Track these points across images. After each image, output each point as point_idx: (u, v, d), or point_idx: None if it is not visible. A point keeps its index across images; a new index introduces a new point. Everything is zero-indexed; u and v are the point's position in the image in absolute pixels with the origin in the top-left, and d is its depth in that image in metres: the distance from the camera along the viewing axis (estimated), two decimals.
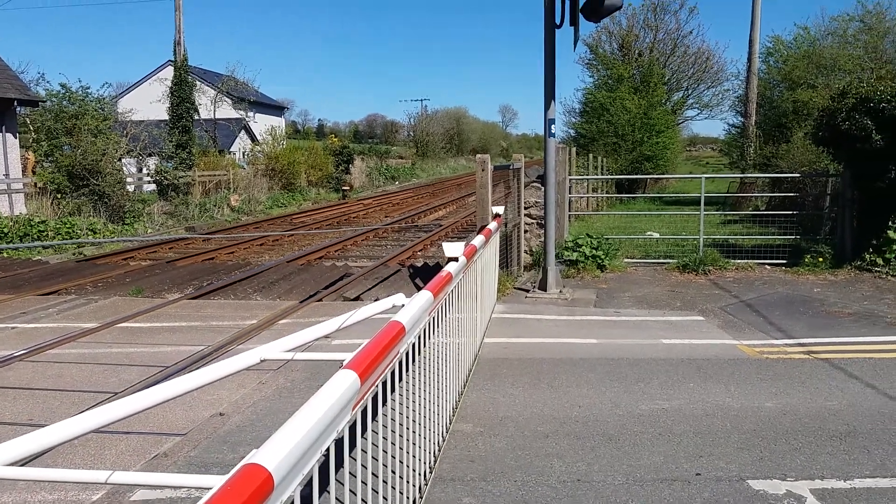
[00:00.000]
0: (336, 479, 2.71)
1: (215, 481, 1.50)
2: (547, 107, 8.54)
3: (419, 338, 3.66)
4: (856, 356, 6.49)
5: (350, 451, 2.60)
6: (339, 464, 2.63)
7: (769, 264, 10.87)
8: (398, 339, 2.76)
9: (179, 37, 24.53)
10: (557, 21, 8.40)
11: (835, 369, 6.13)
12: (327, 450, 2.13)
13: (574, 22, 8.12)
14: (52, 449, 4.52)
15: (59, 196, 17.86)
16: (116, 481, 1.54)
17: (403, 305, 3.29)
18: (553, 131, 8.60)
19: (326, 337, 4.62)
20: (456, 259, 4.57)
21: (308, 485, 1.92)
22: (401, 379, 3.26)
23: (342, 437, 2.38)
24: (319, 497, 2.00)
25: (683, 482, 4.05)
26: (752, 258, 11.00)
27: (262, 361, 2.50)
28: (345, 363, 2.27)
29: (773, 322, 7.78)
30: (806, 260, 10.59)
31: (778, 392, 5.57)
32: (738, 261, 10.89)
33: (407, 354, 3.24)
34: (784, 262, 10.84)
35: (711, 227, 14.90)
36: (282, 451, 1.63)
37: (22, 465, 1.94)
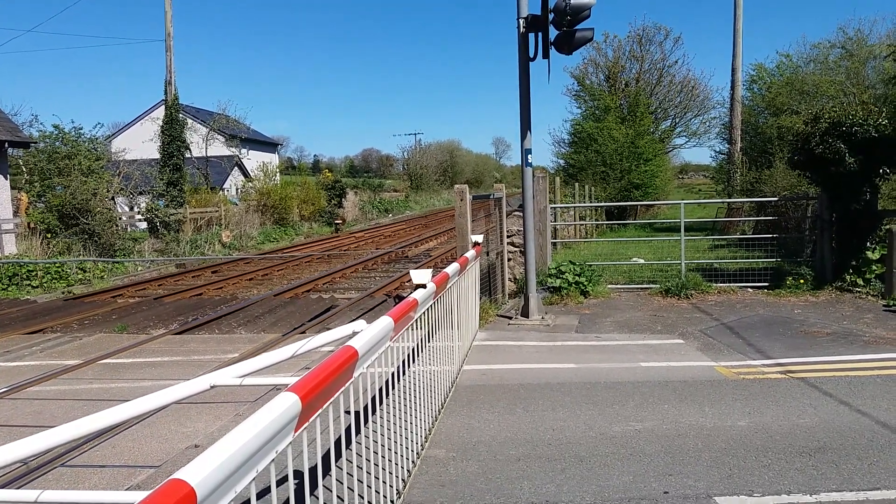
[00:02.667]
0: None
1: (140, 496, 1.56)
2: (523, 137, 8.69)
3: (383, 363, 3.73)
4: (832, 375, 6.55)
5: (311, 479, 2.65)
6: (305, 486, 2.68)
7: (751, 287, 10.96)
8: (348, 364, 2.82)
9: (170, 76, 24.88)
10: (531, 54, 8.59)
11: (810, 388, 6.18)
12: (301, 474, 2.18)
13: (546, 55, 8.30)
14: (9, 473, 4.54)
15: (49, 236, 17.95)
16: (46, 500, 1.59)
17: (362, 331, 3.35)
18: (530, 161, 8.74)
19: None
20: (424, 286, 4.64)
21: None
22: (376, 406, 3.32)
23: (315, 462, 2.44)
24: None
25: (651, 500, 4.08)
26: (735, 282, 11.09)
27: (211, 388, 2.55)
28: (288, 386, 2.34)
29: (751, 343, 7.84)
30: (788, 282, 10.68)
31: (752, 411, 5.61)
32: (721, 284, 10.98)
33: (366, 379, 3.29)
34: (766, 284, 10.93)
35: (698, 252, 15.03)
36: (207, 468, 1.69)
37: None
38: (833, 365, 6.91)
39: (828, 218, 10.61)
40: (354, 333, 3.43)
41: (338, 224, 32.17)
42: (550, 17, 8.17)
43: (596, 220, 23.84)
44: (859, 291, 10.17)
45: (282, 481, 3.11)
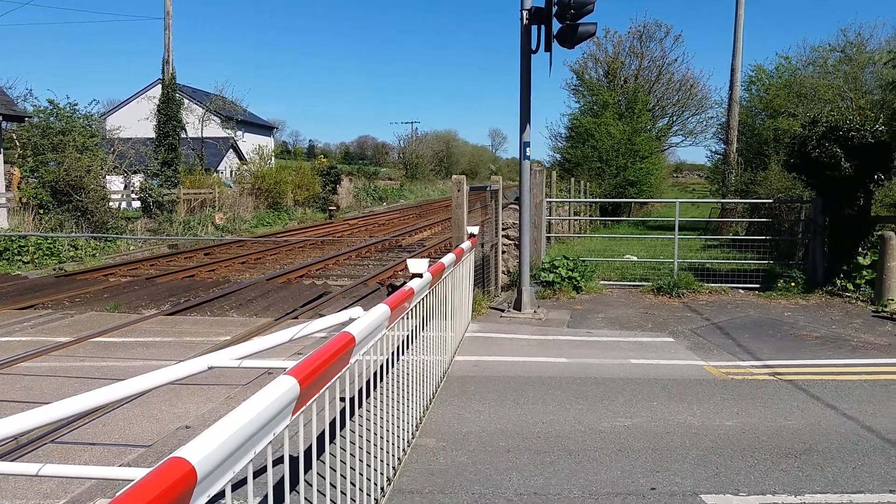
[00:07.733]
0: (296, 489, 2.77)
1: (139, 473, 1.57)
2: (522, 130, 8.70)
3: (378, 351, 3.74)
4: (819, 378, 6.60)
5: (305, 462, 2.67)
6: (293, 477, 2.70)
7: (743, 288, 11.02)
8: (345, 350, 2.83)
9: (168, 55, 24.71)
10: (533, 47, 8.58)
11: (798, 390, 6.23)
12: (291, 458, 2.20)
13: (549, 48, 8.30)
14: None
15: (41, 211, 17.84)
16: (47, 473, 1.60)
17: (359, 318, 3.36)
18: (528, 154, 8.75)
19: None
20: (420, 275, 4.65)
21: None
22: (368, 392, 3.33)
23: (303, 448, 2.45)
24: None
25: (638, 496, 4.12)
26: (727, 282, 11.15)
27: (209, 368, 2.56)
28: (287, 370, 2.35)
29: (741, 344, 7.90)
30: (779, 284, 10.75)
31: (740, 411, 5.66)
32: (713, 284, 11.03)
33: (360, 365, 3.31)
34: (758, 286, 11.00)
35: (691, 251, 15.09)
36: (208, 447, 1.70)
37: None
38: (821, 368, 6.97)
39: (821, 222, 10.68)
40: (351, 320, 3.44)
41: (332, 210, 32.10)
42: (554, 9, 8.16)
43: (590, 215, 23.87)
44: (849, 296, 10.24)
45: (275, 463, 3.12)
